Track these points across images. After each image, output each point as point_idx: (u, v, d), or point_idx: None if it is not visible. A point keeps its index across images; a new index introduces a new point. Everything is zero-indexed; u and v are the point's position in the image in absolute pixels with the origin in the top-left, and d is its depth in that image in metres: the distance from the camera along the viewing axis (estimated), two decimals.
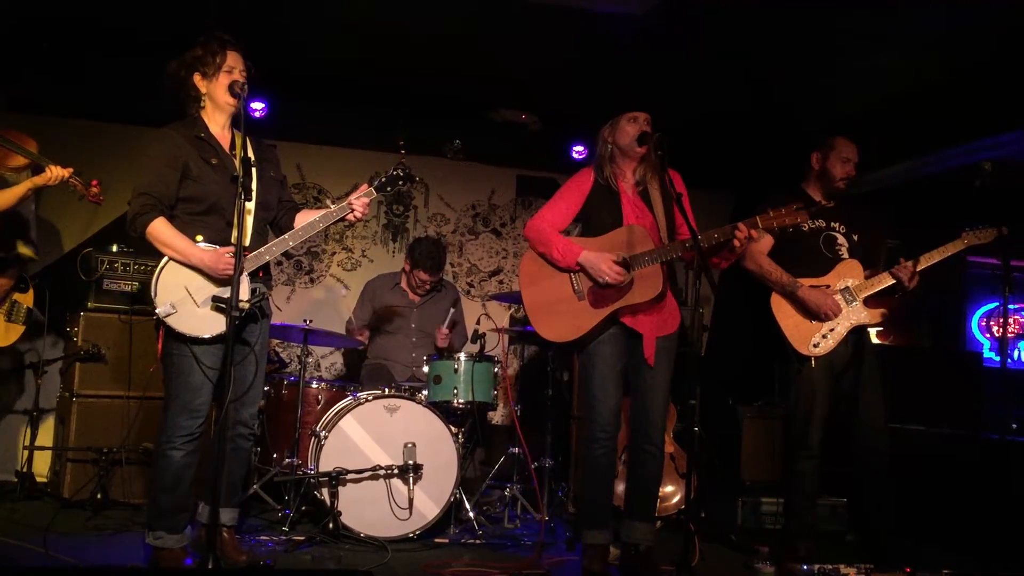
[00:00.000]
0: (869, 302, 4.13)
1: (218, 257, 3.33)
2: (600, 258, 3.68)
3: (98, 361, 4.96)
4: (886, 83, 5.30)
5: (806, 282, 4.10)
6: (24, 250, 4.48)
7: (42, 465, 5.23)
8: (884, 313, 4.15)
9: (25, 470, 5.07)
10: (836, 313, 4.05)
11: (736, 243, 3.61)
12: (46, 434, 5.32)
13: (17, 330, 4.45)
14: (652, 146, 3.71)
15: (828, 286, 4.11)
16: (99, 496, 4.63)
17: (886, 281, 4.09)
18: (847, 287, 4.12)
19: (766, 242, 4.20)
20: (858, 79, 5.28)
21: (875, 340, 4.50)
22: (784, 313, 4.12)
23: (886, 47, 4.83)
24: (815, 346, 4.05)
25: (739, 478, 5.63)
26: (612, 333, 3.76)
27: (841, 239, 4.21)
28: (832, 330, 4.07)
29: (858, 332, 4.13)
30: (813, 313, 4.07)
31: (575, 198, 3.85)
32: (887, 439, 4.09)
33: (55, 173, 3.71)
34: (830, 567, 3.70)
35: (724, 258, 3.76)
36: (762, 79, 5.40)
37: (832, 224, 4.22)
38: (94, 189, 3.83)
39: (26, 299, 4.47)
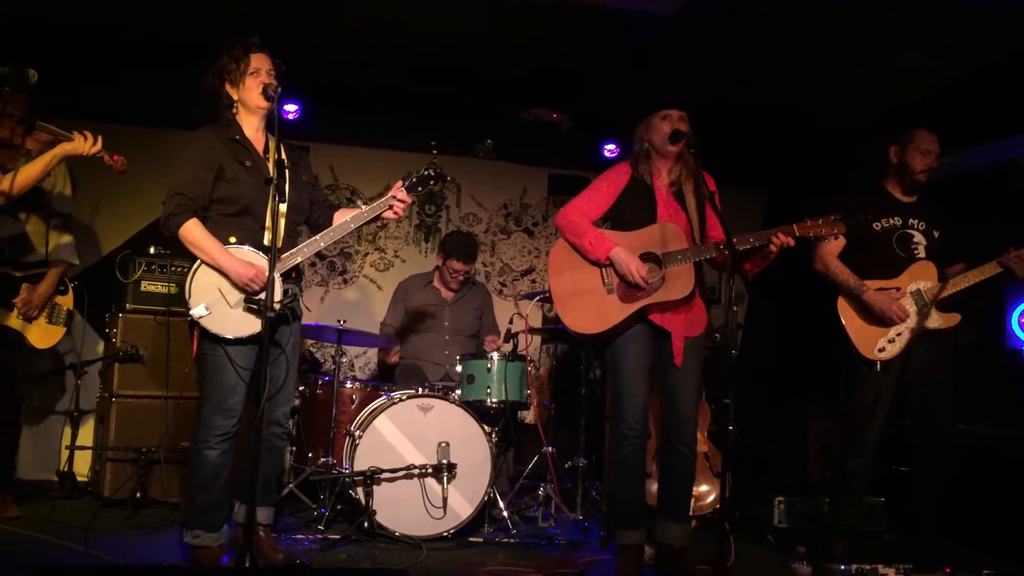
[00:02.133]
0: (943, 305, 4.02)
1: (246, 271, 3.35)
2: (631, 259, 3.66)
3: (136, 362, 5.03)
4: (917, 80, 5.22)
5: (873, 285, 4.02)
6: (64, 238, 4.53)
7: (83, 465, 5.31)
8: (957, 317, 4.02)
9: (66, 469, 5.15)
10: (902, 318, 3.97)
11: (773, 249, 3.59)
12: (86, 434, 5.40)
13: (58, 332, 4.51)
14: (685, 145, 3.69)
15: (898, 288, 4.04)
16: (138, 495, 4.71)
17: (976, 277, 3.98)
18: (918, 290, 4.02)
19: (837, 244, 4.11)
20: (889, 76, 5.20)
21: None
22: (850, 316, 4.05)
23: (917, 43, 4.76)
24: (880, 351, 3.99)
25: (776, 477, 5.59)
26: (639, 331, 3.74)
27: (919, 237, 4.10)
28: (899, 335, 3.99)
29: (933, 334, 4.03)
30: (878, 318, 4.00)
31: (610, 191, 3.84)
32: (951, 445, 4.02)
33: (83, 141, 3.73)
34: (868, 567, 3.66)
35: (756, 264, 3.73)
36: (793, 77, 5.35)
37: (910, 221, 4.12)
38: (118, 157, 3.88)
39: (66, 301, 4.54)
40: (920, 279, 4.04)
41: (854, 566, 3.68)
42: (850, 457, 4.06)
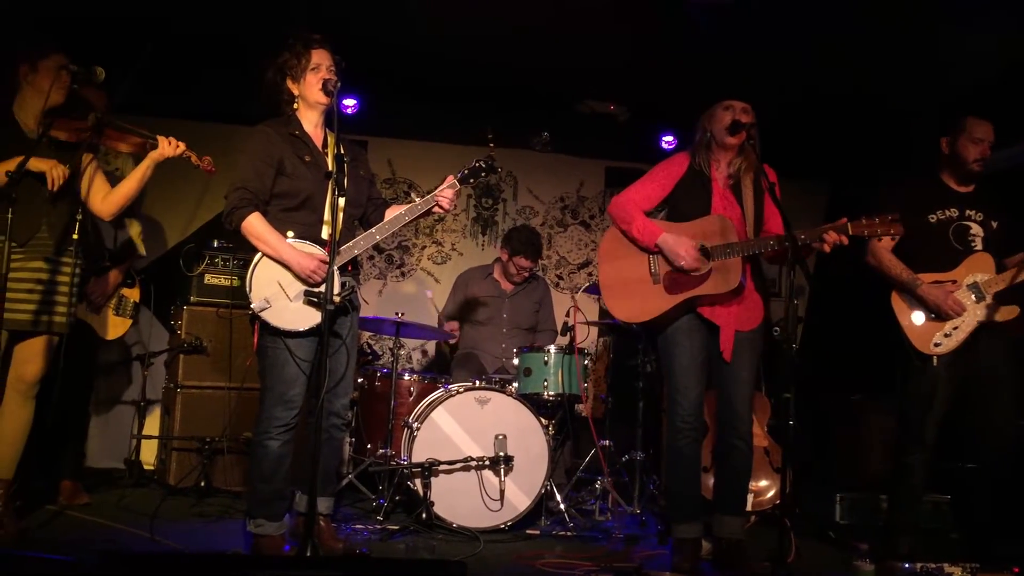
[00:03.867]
0: (1003, 297, 3.89)
1: (308, 262, 3.39)
2: (679, 242, 3.64)
3: (200, 353, 5.13)
4: (985, 66, 5.07)
5: (928, 278, 3.92)
6: (134, 227, 4.64)
7: (149, 453, 5.44)
8: (1016, 310, 3.88)
9: (134, 458, 5.28)
10: (958, 312, 3.86)
11: (826, 247, 3.52)
12: (153, 424, 5.53)
13: (124, 324, 4.61)
14: (746, 136, 3.64)
15: (954, 281, 3.94)
16: (202, 484, 4.81)
17: None
18: (975, 283, 3.91)
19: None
20: (957, 61, 5.06)
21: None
22: (904, 311, 3.97)
23: (985, 27, 4.62)
24: (936, 345, 3.89)
25: (838, 473, 5.50)
26: (692, 324, 3.72)
27: (976, 228, 3.98)
28: (956, 328, 3.89)
29: (991, 328, 3.90)
30: (932, 311, 3.91)
31: (665, 181, 3.81)
32: (1012, 441, 3.92)
33: (170, 145, 3.81)
34: (933, 566, 3.58)
35: (805, 254, 3.67)
36: (856, 64, 5.24)
37: (967, 212, 3.99)
38: (207, 158, 3.97)
39: (133, 294, 4.64)
40: (977, 271, 3.92)
41: (919, 564, 3.60)
42: (907, 453, 3.96)
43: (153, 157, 3.80)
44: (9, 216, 3.21)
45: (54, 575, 3.09)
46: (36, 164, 3.44)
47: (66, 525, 3.99)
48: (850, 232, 3.52)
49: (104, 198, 3.79)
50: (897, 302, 3.98)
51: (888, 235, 3.52)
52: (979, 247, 3.96)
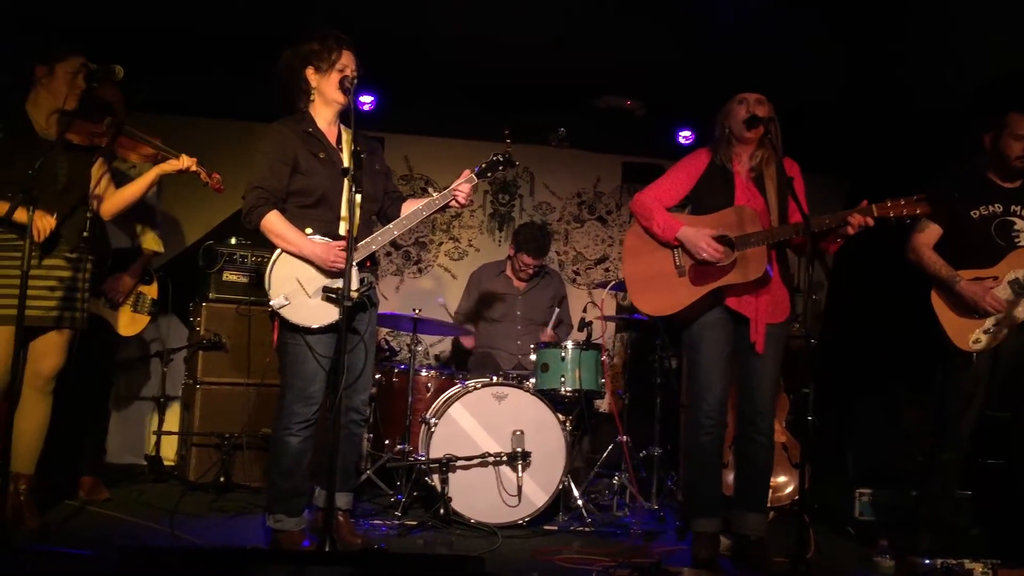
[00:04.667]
0: None
1: (329, 249, 3.41)
2: (698, 234, 3.63)
3: (220, 350, 5.15)
4: (1007, 61, 5.01)
5: (968, 275, 3.88)
6: (152, 245, 4.68)
7: (169, 449, 5.48)
8: None
9: (154, 454, 5.32)
10: (996, 309, 3.81)
11: (850, 230, 3.49)
12: (173, 419, 5.56)
13: (142, 320, 4.64)
14: (764, 130, 3.62)
15: (996, 277, 3.89)
16: (222, 479, 4.83)
17: None
18: (1017, 279, 3.85)
19: (931, 233, 3.99)
20: (978, 58, 5.01)
21: None
22: (943, 308, 3.94)
23: (1006, 22, 4.56)
24: (976, 342, 3.86)
25: (857, 469, 5.47)
26: (719, 318, 3.71)
27: (1020, 224, 3.93)
28: (996, 325, 3.84)
29: None
30: (971, 308, 3.87)
31: (687, 177, 3.81)
32: None
33: (184, 160, 3.86)
34: (954, 562, 3.56)
35: (831, 242, 3.65)
36: (879, 57, 5.19)
37: (1012, 208, 3.95)
38: (216, 176, 3.99)
39: (151, 291, 4.67)
40: (1019, 267, 3.87)
41: (939, 561, 3.58)
42: (943, 449, 3.93)
43: (163, 168, 3.84)
44: (30, 214, 3.23)
45: (75, 570, 3.12)
46: (20, 216, 3.39)
47: (87, 520, 4.02)
48: (875, 213, 3.49)
49: (106, 198, 3.83)
50: (936, 300, 3.96)
51: (914, 215, 3.48)
52: (1023, 243, 3.92)
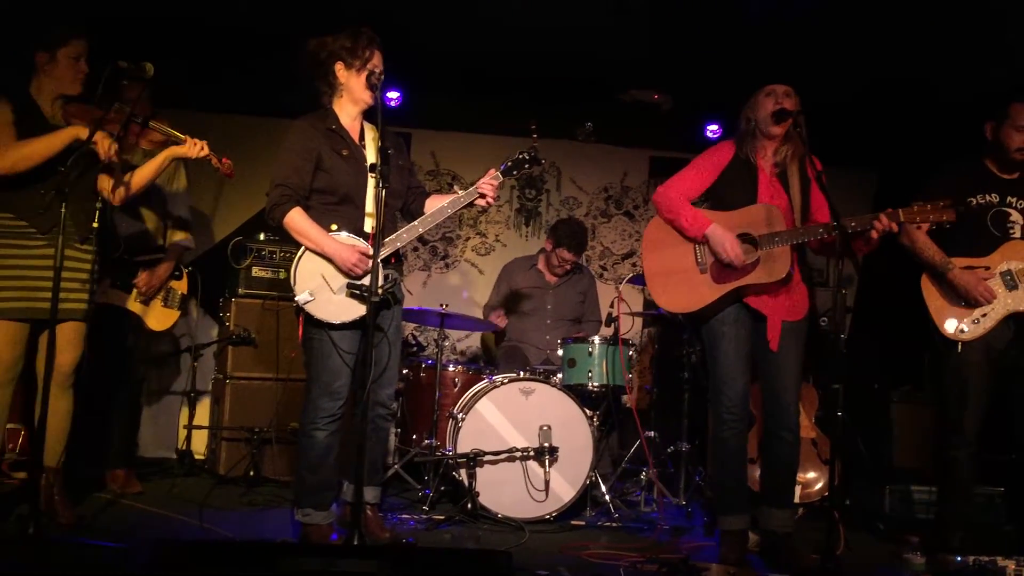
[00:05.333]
0: None
1: (350, 253, 3.42)
2: (726, 236, 3.60)
3: (249, 345, 5.19)
4: None
5: (961, 263, 3.86)
6: (179, 235, 4.70)
7: (199, 443, 5.53)
8: None
9: (184, 448, 5.37)
10: (988, 299, 3.78)
11: (874, 234, 3.46)
12: (203, 414, 5.61)
13: (173, 315, 4.68)
14: (792, 124, 3.59)
15: (987, 268, 3.86)
16: (251, 473, 4.87)
17: None
18: (1008, 270, 3.82)
19: None
20: (1009, 50, 4.93)
21: None
22: (933, 295, 3.91)
23: None
24: (962, 331, 3.83)
25: (887, 465, 5.42)
26: (738, 315, 3.68)
27: (1016, 215, 3.89)
28: (984, 315, 3.82)
29: (1022, 317, 3.83)
30: (963, 297, 3.84)
31: (711, 170, 3.78)
32: None
33: (194, 144, 3.83)
34: (986, 559, 3.52)
35: (858, 248, 3.60)
36: (907, 52, 5.13)
37: (1008, 199, 3.91)
38: (226, 162, 3.99)
39: (180, 286, 4.71)
40: (1012, 259, 3.83)
41: (971, 558, 3.54)
42: (950, 447, 3.88)
43: (174, 151, 3.82)
44: (63, 211, 3.26)
45: (107, 561, 3.16)
46: (84, 132, 3.42)
47: (119, 513, 4.07)
48: (902, 219, 3.46)
49: (116, 185, 3.79)
50: (927, 285, 3.92)
51: (940, 221, 3.45)
52: (1017, 234, 3.88)
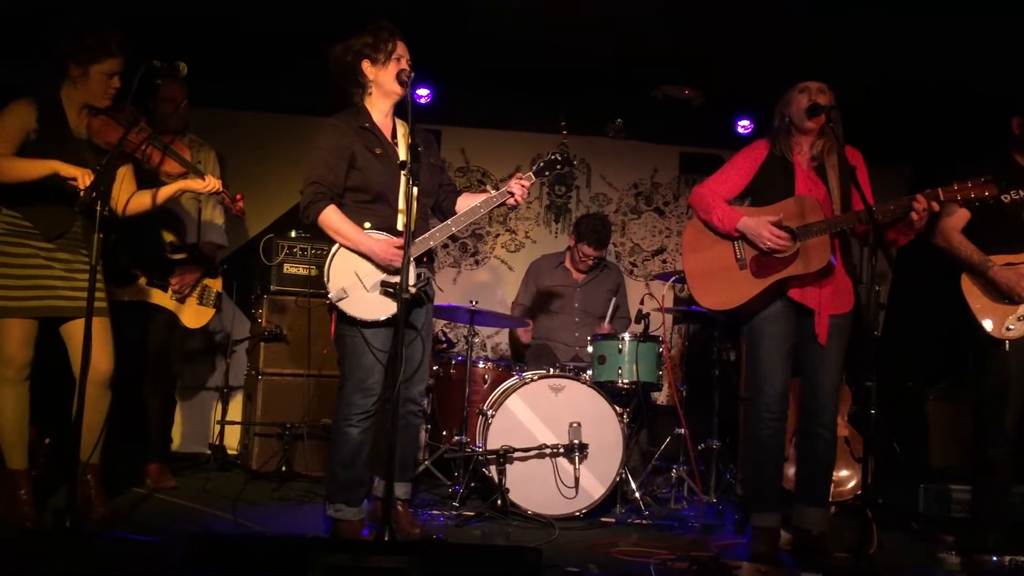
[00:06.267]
0: None
1: (387, 247, 3.43)
2: (760, 223, 3.58)
3: (281, 341, 5.23)
4: None
5: (1000, 260, 3.80)
6: (213, 234, 4.74)
7: (232, 439, 5.59)
8: None
9: (217, 443, 5.43)
10: None
11: (914, 216, 3.40)
12: (235, 409, 5.67)
13: (208, 313, 4.72)
14: (825, 119, 3.56)
15: None
16: (283, 468, 4.91)
17: None
18: None
19: (960, 217, 3.90)
20: None
21: None
22: (974, 294, 3.85)
23: None
24: (1008, 329, 3.77)
25: (921, 463, 5.37)
26: (781, 310, 3.66)
27: None
28: None
29: None
30: (1005, 294, 3.79)
31: (746, 169, 3.76)
32: None
33: (210, 182, 3.83)
34: (1022, 559, 3.47)
35: (901, 233, 3.54)
36: (942, 47, 5.06)
37: None
38: (239, 203, 3.98)
39: (215, 284, 4.75)
40: None
41: (1007, 558, 3.51)
42: (989, 445, 3.83)
43: (187, 184, 3.80)
44: (99, 211, 3.28)
45: (143, 555, 3.20)
46: (67, 171, 3.40)
47: (154, 507, 4.12)
48: (942, 197, 3.40)
49: (124, 199, 3.77)
50: (967, 285, 3.87)
51: (983, 197, 3.39)
52: None
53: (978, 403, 3.93)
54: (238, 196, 3.97)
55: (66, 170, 3.41)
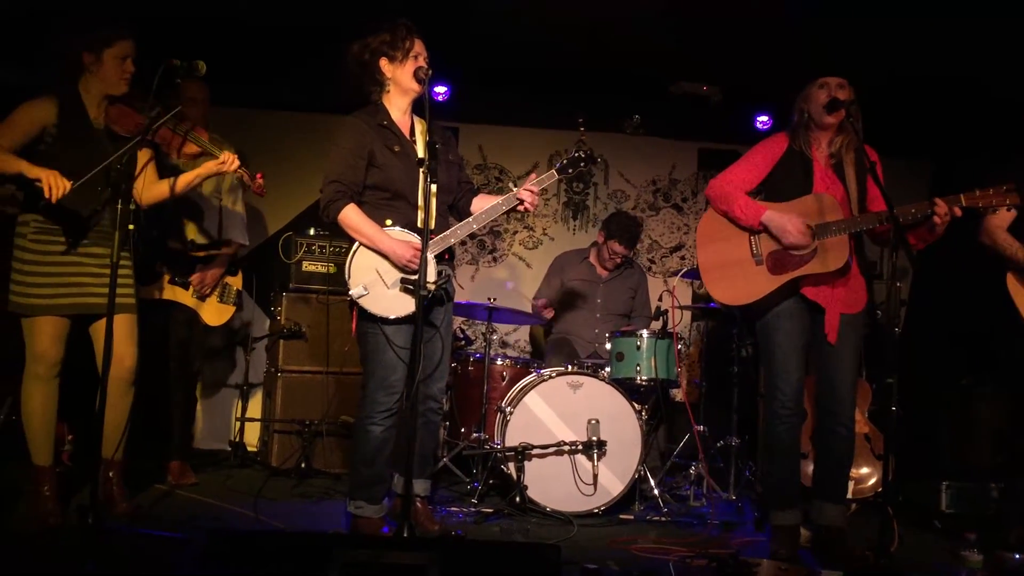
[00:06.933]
0: None
1: (406, 249, 3.43)
2: (786, 217, 3.56)
3: (300, 338, 5.25)
4: None
5: None
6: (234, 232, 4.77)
7: (252, 436, 5.62)
8: None
9: (237, 440, 5.46)
10: None
11: (937, 220, 3.39)
12: (255, 406, 5.70)
13: (228, 311, 4.74)
14: (845, 114, 3.54)
15: None
16: (303, 465, 4.93)
17: None
18: None
19: (1005, 216, 3.86)
20: None
21: None
22: (1020, 292, 3.83)
23: None
24: None
25: (942, 461, 5.33)
26: (794, 307, 3.64)
27: None
28: None
29: None
30: None
31: (764, 162, 3.73)
32: None
33: (226, 158, 3.82)
34: None
35: (921, 238, 3.52)
36: (961, 43, 5.01)
37: None
38: (259, 180, 3.99)
39: (236, 282, 4.77)
40: None
41: None
42: None
43: (209, 168, 3.81)
44: (120, 206, 3.29)
45: (164, 551, 3.22)
46: (33, 172, 3.39)
47: (175, 504, 4.15)
48: (963, 204, 3.38)
49: (147, 187, 3.79)
50: (1013, 283, 3.84)
51: (1004, 206, 3.37)
52: None
53: (1019, 399, 3.90)
54: (258, 175, 3.97)
55: (32, 171, 3.41)
